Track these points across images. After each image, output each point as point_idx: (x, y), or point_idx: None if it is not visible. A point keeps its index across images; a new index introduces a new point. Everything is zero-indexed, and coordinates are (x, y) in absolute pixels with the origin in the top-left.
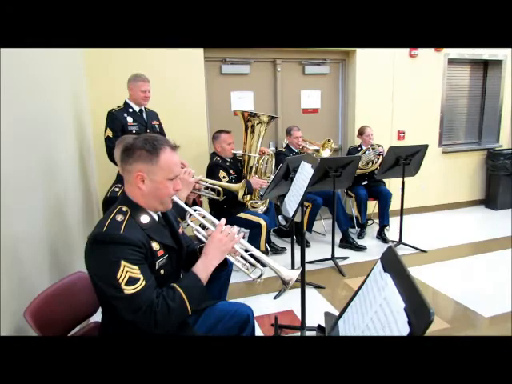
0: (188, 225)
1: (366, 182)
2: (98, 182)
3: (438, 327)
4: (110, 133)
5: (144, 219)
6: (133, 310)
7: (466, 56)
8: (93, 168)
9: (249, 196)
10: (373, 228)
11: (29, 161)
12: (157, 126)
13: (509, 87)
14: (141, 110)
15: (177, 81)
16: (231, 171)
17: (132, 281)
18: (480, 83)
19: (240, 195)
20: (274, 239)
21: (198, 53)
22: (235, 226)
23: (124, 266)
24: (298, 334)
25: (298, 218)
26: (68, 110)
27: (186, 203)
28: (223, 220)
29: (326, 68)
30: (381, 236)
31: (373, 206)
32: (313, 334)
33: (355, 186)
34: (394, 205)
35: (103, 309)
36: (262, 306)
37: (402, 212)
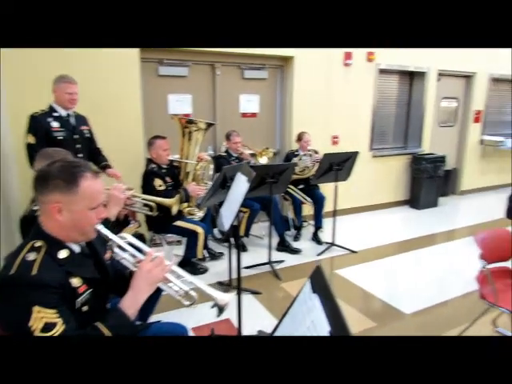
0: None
1: (302, 186)
2: (21, 194)
3: (364, 326)
4: (31, 139)
5: (62, 254)
6: None
7: (394, 67)
8: (13, 177)
9: (186, 203)
10: (308, 230)
11: None
12: (86, 131)
13: (431, 97)
14: (68, 115)
15: (110, 82)
16: (167, 178)
17: (48, 327)
18: (407, 92)
19: (174, 210)
20: (212, 244)
21: (133, 53)
22: (166, 247)
23: (38, 312)
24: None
25: (234, 222)
26: None
27: (117, 219)
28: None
29: (264, 73)
30: (315, 238)
31: (308, 209)
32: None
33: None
34: (328, 207)
35: None
36: (199, 316)
37: (334, 215)
